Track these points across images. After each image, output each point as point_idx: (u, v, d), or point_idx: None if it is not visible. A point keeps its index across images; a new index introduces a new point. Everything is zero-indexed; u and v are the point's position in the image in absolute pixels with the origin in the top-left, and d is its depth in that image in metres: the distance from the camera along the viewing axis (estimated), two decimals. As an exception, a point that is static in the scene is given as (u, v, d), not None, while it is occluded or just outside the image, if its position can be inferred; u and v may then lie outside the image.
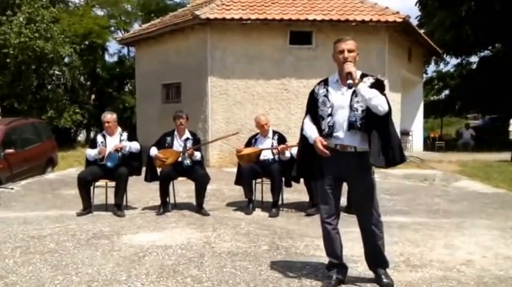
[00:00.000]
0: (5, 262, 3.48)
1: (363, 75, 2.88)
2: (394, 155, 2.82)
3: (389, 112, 2.80)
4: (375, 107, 2.74)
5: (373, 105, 2.74)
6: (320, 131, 2.92)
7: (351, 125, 2.83)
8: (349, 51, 2.84)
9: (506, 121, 13.94)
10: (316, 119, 2.94)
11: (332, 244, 2.99)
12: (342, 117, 2.86)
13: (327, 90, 2.93)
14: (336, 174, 2.91)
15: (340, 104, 2.88)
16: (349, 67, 2.76)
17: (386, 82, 10.53)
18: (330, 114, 2.88)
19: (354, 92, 2.83)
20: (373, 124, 2.80)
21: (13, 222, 4.72)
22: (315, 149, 2.88)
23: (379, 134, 2.80)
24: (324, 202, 2.99)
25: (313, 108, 2.97)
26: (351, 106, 2.84)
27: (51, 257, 3.57)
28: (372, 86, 2.82)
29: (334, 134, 2.87)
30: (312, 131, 2.94)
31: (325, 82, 2.99)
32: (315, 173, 2.98)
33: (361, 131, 2.83)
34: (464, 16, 15.77)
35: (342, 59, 2.83)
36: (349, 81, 2.72)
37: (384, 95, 2.82)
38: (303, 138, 3.03)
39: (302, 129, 3.05)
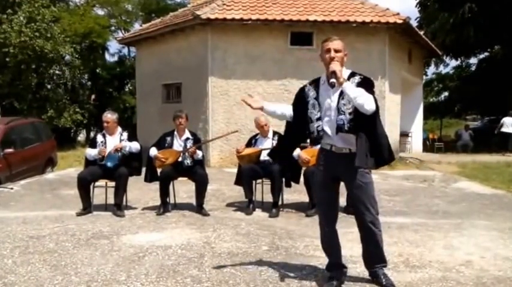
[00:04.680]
0: (4, 262, 3.47)
1: (352, 75, 2.83)
2: (382, 154, 2.81)
3: (376, 111, 2.75)
4: (361, 106, 2.68)
5: (358, 104, 2.68)
6: (307, 133, 2.90)
7: (339, 129, 2.79)
8: (336, 51, 2.78)
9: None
10: (305, 121, 2.91)
11: (331, 245, 3.00)
12: (330, 120, 2.83)
13: (317, 93, 2.89)
14: (332, 175, 2.91)
15: (328, 106, 2.84)
16: (333, 66, 2.71)
17: (386, 83, 10.57)
18: (319, 118, 2.85)
19: (342, 94, 2.78)
20: (361, 125, 2.75)
21: (12, 222, 4.72)
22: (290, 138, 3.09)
23: (366, 135, 2.76)
24: (321, 203, 2.98)
25: (302, 109, 2.93)
26: (338, 109, 2.79)
27: (50, 257, 3.57)
28: (359, 84, 2.76)
29: (324, 138, 2.87)
30: (272, 105, 3.12)
31: (316, 83, 2.95)
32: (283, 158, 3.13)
33: (350, 133, 2.79)
34: (465, 18, 15.79)
35: (328, 58, 2.78)
36: (332, 80, 2.68)
37: (373, 93, 2.76)
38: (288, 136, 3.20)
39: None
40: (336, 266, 3.00)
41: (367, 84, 2.78)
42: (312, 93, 2.92)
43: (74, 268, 3.32)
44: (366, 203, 2.87)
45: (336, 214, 3.03)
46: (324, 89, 2.88)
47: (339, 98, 2.81)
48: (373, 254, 2.97)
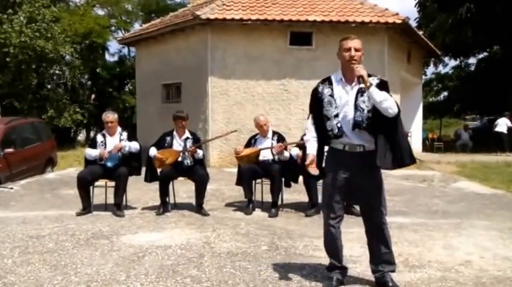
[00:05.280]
0: (4, 261, 3.47)
1: (368, 75, 2.81)
2: (402, 156, 2.79)
3: (398, 114, 2.77)
4: (386, 109, 2.71)
5: (384, 107, 2.71)
6: (325, 131, 2.87)
7: (357, 125, 2.79)
8: (356, 49, 2.80)
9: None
10: (321, 119, 2.90)
11: (335, 245, 2.97)
12: (347, 117, 2.83)
13: (332, 90, 2.88)
14: (344, 175, 2.86)
15: (345, 103, 2.84)
16: (360, 70, 2.71)
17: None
18: (337, 115, 2.84)
19: (359, 90, 2.80)
20: (381, 125, 2.77)
21: (12, 222, 4.72)
22: (319, 148, 2.88)
23: (386, 135, 2.77)
24: (329, 203, 2.92)
25: (318, 108, 2.90)
26: (356, 105, 2.80)
27: (50, 257, 3.57)
28: (379, 86, 2.78)
29: (344, 135, 2.83)
30: (311, 146, 2.92)
31: (329, 81, 2.92)
32: (322, 172, 2.94)
33: (367, 130, 2.80)
34: (464, 18, 15.80)
35: (348, 57, 2.79)
36: (361, 85, 2.71)
37: (390, 95, 2.79)
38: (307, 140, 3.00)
39: (305, 131, 3.02)
40: (337, 267, 2.98)
41: (384, 86, 2.80)
42: (326, 90, 2.89)
43: (74, 268, 3.32)
44: (380, 203, 2.88)
45: (343, 215, 3.00)
46: (340, 87, 2.87)
47: (357, 95, 2.81)
48: (384, 256, 2.93)
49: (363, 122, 2.79)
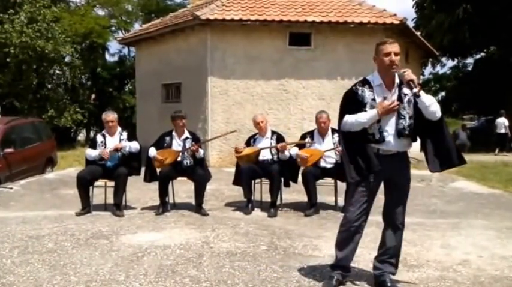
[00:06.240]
0: (3, 262, 3.48)
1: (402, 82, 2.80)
2: (451, 157, 2.79)
3: (442, 116, 2.78)
4: (433, 113, 2.71)
5: (431, 111, 2.70)
6: (365, 134, 2.78)
7: (400, 133, 2.77)
8: (396, 54, 2.75)
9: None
10: None
11: (349, 247, 2.92)
12: (388, 124, 2.78)
13: (373, 94, 2.81)
14: (375, 175, 2.82)
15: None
16: (410, 74, 2.69)
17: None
18: (378, 121, 2.77)
19: (399, 98, 2.77)
20: (425, 130, 2.78)
21: (11, 222, 4.73)
22: (362, 145, 2.79)
23: (432, 138, 2.79)
24: (355, 203, 2.86)
25: (357, 111, 2.79)
26: (398, 113, 2.77)
27: (49, 257, 3.58)
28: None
29: (384, 141, 2.78)
30: (364, 114, 2.76)
31: (368, 84, 2.84)
32: (370, 169, 2.79)
33: (409, 137, 2.81)
34: (461, 19, 15.83)
35: (389, 61, 2.74)
36: (415, 90, 2.66)
37: None
38: (349, 138, 2.85)
39: (342, 128, 2.85)
40: (342, 268, 2.97)
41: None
42: (367, 94, 2.81)
43: (73, 268, 3.33)
44: (404, 205, 2.91)
45: (367, 216, 2.95)
46: (380, 92, 2.82)
47: (398, 102, 2.78)
48: (390, 258, 2.93)
49: (405, 130, 2.78)
